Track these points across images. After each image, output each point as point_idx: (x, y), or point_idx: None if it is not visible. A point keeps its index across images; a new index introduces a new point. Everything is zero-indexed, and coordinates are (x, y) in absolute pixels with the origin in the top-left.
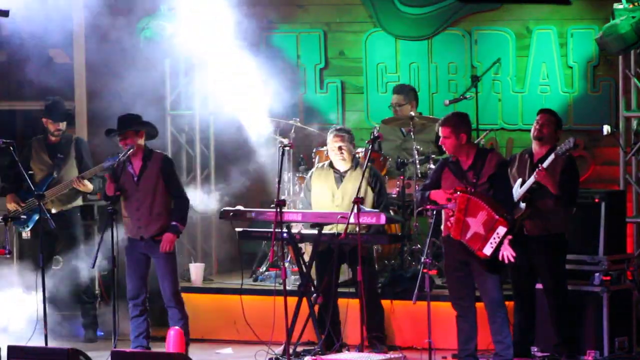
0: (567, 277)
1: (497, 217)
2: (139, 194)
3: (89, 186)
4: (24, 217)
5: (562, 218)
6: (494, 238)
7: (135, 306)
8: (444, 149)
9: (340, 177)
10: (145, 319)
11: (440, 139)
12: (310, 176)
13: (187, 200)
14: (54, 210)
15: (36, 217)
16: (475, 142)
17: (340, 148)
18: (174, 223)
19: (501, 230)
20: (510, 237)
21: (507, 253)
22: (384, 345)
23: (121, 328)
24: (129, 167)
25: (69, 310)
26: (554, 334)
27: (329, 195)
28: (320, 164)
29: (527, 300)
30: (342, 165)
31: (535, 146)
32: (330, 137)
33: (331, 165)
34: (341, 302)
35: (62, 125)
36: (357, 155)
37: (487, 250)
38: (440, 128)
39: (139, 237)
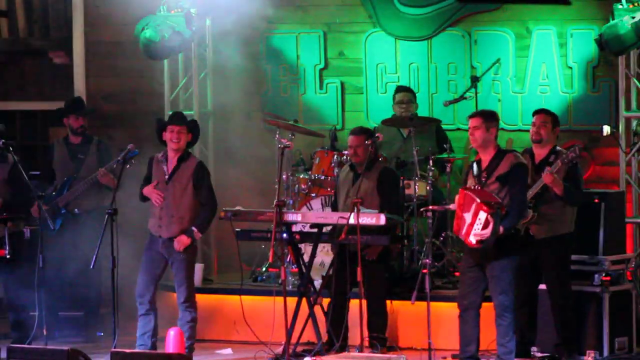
0: (571, 278)
1: (479, 201)
2: (166, 193)
3: (114, 180)
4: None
5: (568, 219)
6: (477, 224)
7: (141, 305)
8: (471, 142)
9: (356, 177)
10: (153, 318)
11: (469, 130)
12: (337, 176)
13: (213, 210)
14: (76, 211)
15: (59, 220)
16: None
17: (354, 148)
18: (192, 228)
19: (482, 215)
20: (491, 221)
21: (480, 237)
22: (383, 346)
23: (121, 328)
24: (164, 164)
25: (69, 310)
26: (556, 334)
27: (344, 195)
28: (346, 164)
29: (529, 300)
30: (358, 165)
31: (534, 148)
32: (348, 138)
33: (352, 165)
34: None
35: (85, 121)
36: (379, 158)
37: (472, 237)
38: (470, 119)
39: (158, 235)
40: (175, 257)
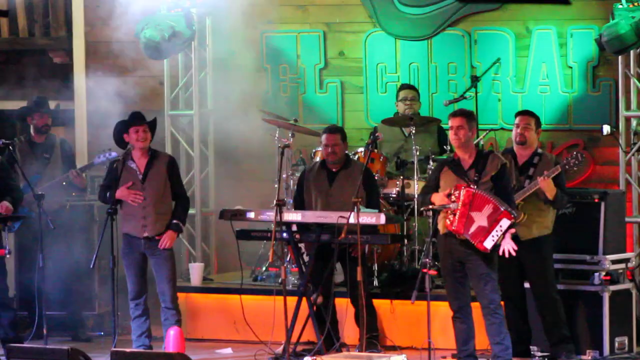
0: (556, 277)
1: (502, 209)
2: (145, 193)
3: (84, 181)
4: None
5: (550, 221)
6: (497, 230)
7: (137, 306)
8: (453, 140)
9: (332, 176)
10: (147, 318)
11: (453, 130)
12: (303, 175)
13: (188, 201)
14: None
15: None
16: (475, 142)
17: (331, 147)
18: (175, 221)
19: (504, 222)
20: (512, 230)
21: (509, 247)
22: (378, 343)
23: (121, 328)
24: (132, 164)
25: (68, 310)
26: (546, 334)
27: (320, 194)
28: (312, 163)
29: (518, 300)
30: (334, 164)
31: (517, 149)
32: (322, 136)
33: (323, 164)
34: (337, 302)
35: (49, 120)
36: (350, 155)
37: (488, 243)
38: (452, 119)
39: (142, 236)
40: (160, 255)
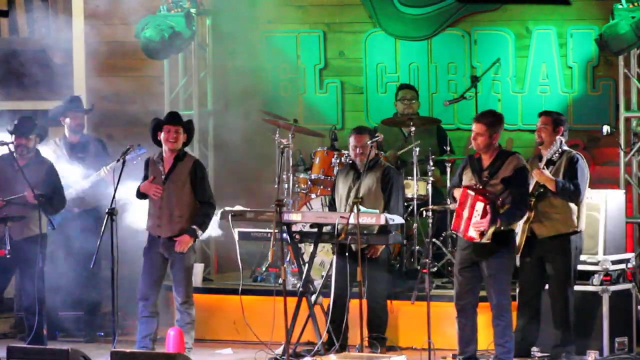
0: (575, 279)
1: (473, 194)
2: (164, 193)
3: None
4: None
5: (571, 217)
6: (475, 216)
7: (144, 308)
8: (473, 145)
9: (358, 175)
10: (155, 321)
11: (472, 134)
12: (337, 175)
13: (213, 207)
14: (76, 209)
15: (58, 218)
16: None
17: (360, 147)
18: (193, 226)
19: (479, 206)
20: (487, 207)
21: (479, 226)
22: (383, 346)
23: (121, 328)
24: (159, 165)
25: (69, 310)
26: (556, 335)
27: (344, 193)
28: (346, 163)
29: (533, 301)
30: (361, 164)
31: (541, 150)
32: (350, 137)
33: (353, 164)
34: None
35: (83, 120)
36: (380, 156)
37: (471, 231)
38: (474, 123)
39: (156, 234)
40: (176, 257)
